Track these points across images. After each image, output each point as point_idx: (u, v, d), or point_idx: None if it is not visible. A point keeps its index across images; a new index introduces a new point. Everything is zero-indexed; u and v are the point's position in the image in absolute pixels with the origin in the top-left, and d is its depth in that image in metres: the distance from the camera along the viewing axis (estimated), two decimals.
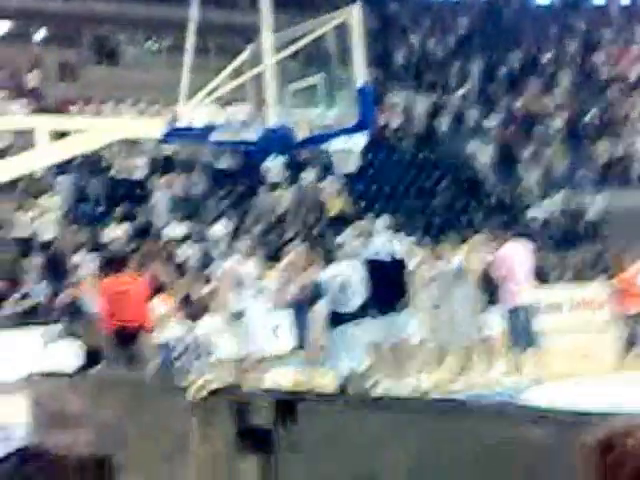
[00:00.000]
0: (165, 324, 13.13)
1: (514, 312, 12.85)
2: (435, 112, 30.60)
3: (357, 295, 11.80)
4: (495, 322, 13.42)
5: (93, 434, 4.92)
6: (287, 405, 3.84)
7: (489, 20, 35.53)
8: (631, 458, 2.00)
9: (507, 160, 29.50)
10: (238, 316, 12.66)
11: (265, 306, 13.22)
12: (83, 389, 5.19)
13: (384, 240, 12.61)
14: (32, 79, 26.38)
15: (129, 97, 26.22)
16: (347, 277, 11.85)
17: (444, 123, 30.40)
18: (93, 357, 13.07)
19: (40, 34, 30.29)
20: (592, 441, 2.06)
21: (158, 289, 12.08)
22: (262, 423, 3.97)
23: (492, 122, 30.78)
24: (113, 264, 11.13)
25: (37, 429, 5.29)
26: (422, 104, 30.76)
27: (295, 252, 14.43)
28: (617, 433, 2.06)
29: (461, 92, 31.55)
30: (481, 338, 13.36)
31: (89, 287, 14.46)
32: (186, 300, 19.63)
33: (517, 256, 13.24)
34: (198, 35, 11.13)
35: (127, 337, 10.36)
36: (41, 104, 25.21)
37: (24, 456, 3.44)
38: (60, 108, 24.91)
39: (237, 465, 4.00)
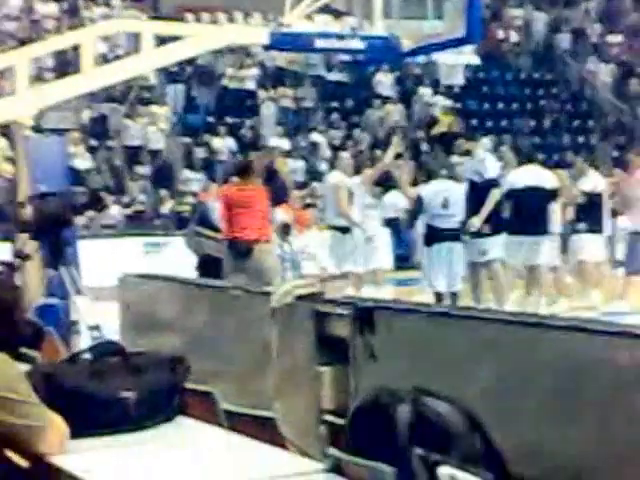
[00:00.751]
0: (287, 234, 13.28)
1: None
2: (555, 28, 29.67)
3: (458, 213, 11.76)
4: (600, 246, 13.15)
5: (179, 339, 5.01)
6: (366, 314, 3.79)
7: None
8: None
9: (628, 79, 28.53)
10: (344, 231, 12.59)
11: (372, 223, 13.15)
12: (175, 294, 5.23)
13: (489, 160, 12.34)
14: None
15: (245, 7, 26.11)
16: (450, 194, 11.78)
17: (564, 40, 29.46)
18: (211, 267, 13.28)
19: None
20: None
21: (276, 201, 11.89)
22: (341, 332, 3.93)
23: (615, 39, 29.71)
24: (237, 173, 10.65)
25: (126, 331, 5.37)
26: (542, 20, 29.86)
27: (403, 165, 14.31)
28: None
29: (584, 7, 30.50)
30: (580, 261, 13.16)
31: (213, 195, 14.55)
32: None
33: None
34: None
35: (245, 248, 10.04)
36: (157, 11, 25.37)
37: (101, 350, 3.52)
38: (175, 15, 25.03)
39: (315, 374, 3.98)
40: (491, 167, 11.98)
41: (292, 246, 13.08)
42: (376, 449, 2.75)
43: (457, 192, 11.92)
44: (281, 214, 13.20)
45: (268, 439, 3.29)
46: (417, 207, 12.29)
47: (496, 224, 11.78)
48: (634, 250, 12.53)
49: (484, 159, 12.27)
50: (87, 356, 3.42)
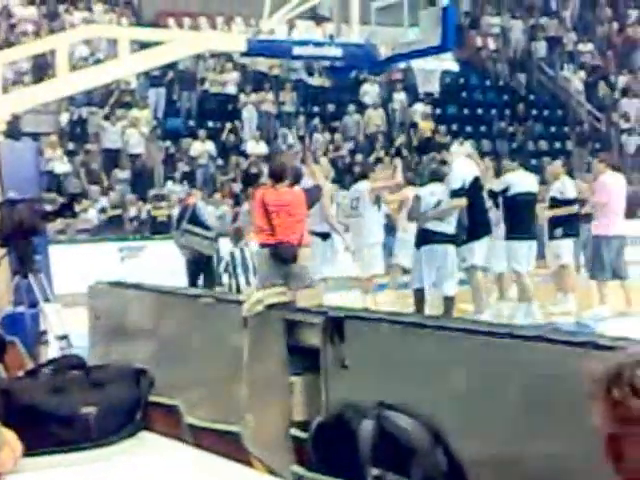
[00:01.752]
0: (240, 239, 13.21)
1: (606, 240, 12.49)
2: (532, 36, 29.83)
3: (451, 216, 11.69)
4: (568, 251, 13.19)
5: (149, 349, 4.95)
6: (337, 324, 3.75)
7: None
8: (639, 391, 1.82)
9: (601, 87, 28.69)
10: (325, 237, 12.51)
11: (374, 228, 13.07)
12: (145, 302, 5.17)
13: (468, 166, 12.27)
14: None
15: (226, 11, 26.07)
16: (443, 197, 11.71)
17: (540, 48, 29.63)
18: (202, 264, 13.29)
19: None
20: (599, 373, 1.89)
21: None
22: (312, 341, 3.89)
23: (589, 48, 29.91)
24: (273, 176, 10.18)
25: (96, 340, 5.31)
26: (519, 28, 30.02)
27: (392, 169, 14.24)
28: (627, 363, 1.88)
29: (559, 16, 30.66)
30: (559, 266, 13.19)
31: (200, 197, 14.55)
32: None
33: (617, 186, 12.89)
34: None
35: (292, 253, 9.63)
36: (138, 16, 25.30)
37: (62, 364, 3.46)
38: (157, 20, 24.98)
39: (286, 384, 3.94)
40: (458, 174, 11.82)
41: (244, 252, 12.98)
42: (338, 466, 2.71)
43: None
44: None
45: (233, 455, 3.24)
46: (416, 207, 12.05)
47: (474, 231, 11.72)
48: (597, 255, 12.54)
49: (453, 167, 12.20)
50: (48, 370, 3.35)
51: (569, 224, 13.07)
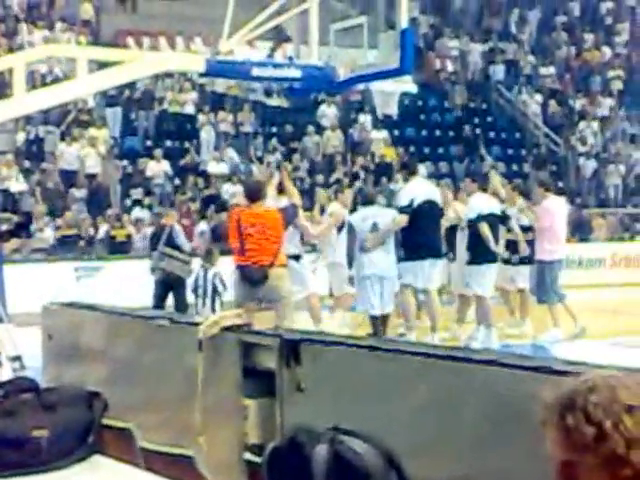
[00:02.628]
0: (210, 260, 13.14)
1: (549, 265, 12.55)
2: (490, 59, 30.12)
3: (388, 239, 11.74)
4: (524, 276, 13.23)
5: (103, 371, 4.89)
6: (293, 346, 3.74)
7: None
8: (593, 418, 1.82)
9: (559, 110, 29.00)
10: (297, 258, 12.40)
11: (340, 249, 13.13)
12: (99, 323, 5.12)
13: (421, 187, 12.28)
14: (87, 11, 26.24)
15: (186, 31, 26.07)
16: (379, 220, 11.76)
17: (498, 71, 29.92)
18: (175, 286, 13.22)
19: None
20: (553, 399, 1.89)
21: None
22: (268, 364, 3.87)
23: (547, 72, 30.26)
24: (248, 195, 9.97)
25: (49, 362, 5.24)
26: (477, 51, 30.31)
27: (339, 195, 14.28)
28: (580, 390, 1.87)
29: (517, 40, 31.01)
30: (512, 290, 13.27)
31: (175, 219, 14.47)
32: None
33: (560, 210, 12.99)
34: None
35: (261, 274, 9.49)
36: (98, 35, 25.22)
37: (13, 387, 3.42)
38: (116, 40, 24.91)
39: (241, 407, 3.91)
40: (407, 193, 11.85)
41: (210, 273, 12.92)
42: None
43: (387, 217, 11.89)
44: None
45: (186, 479, 3.21)
46: (352, 235, 12.32)
47: (413, 251, 11.69)
48: (541, 280, 12.58)
49: (400, 189, 12.27)
50: None
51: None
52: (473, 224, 12.02)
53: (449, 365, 3.26)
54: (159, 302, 13.31)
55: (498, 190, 13.19)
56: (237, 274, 9.80)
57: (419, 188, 11.95)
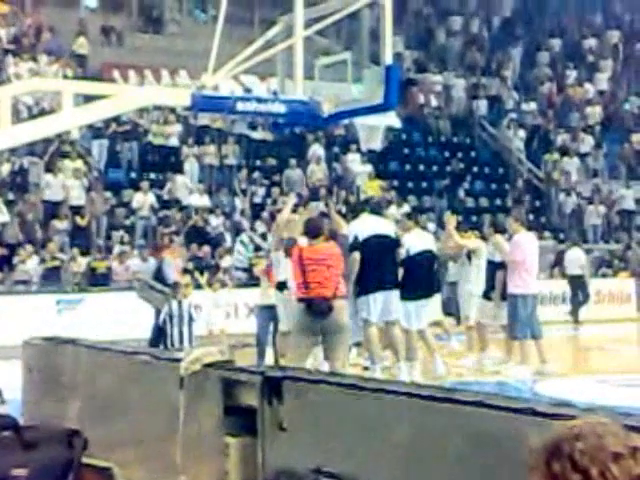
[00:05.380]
0: (177, 292, 13.09)
1: (523, 299, 12.56)
2: (474, 95, 30.34)
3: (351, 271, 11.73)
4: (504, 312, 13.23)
5: (83, 407, 4.85)
6: (275, 384, 3.72)
7: (533, 4, 35.05)
8: (579, 466, 1.81)
9: (542, 147, 29.20)
10: (282, 287, 12.40)
11: None
12: (80, 358, 5.08)
13: (367, 222, 12.25)
14: (79, 45, 26.23)
15: (172, 65, 26.16)
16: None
17: (482, 106, 30.13)
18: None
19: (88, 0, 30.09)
20: (539, 445, 1.87)
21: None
22: (249, 402, 3.84)
23: (530, 107, 30.49)
24: (308, 233, 10.06)
25: (29, 397, 5.19)
26: (461, 86, 30.53)
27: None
28: (567, 436, 1.86)
29: (501, 75, 31.26)
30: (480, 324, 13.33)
31: (170, 253, 14.45)
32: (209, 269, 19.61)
33: (531, 244, 13.05)
34: (244, 7, 10.99)
35: (326, 306, 9.68)
36: (84, 68, 25.23)
37: None
38: (102, 73, 24.93)
39: (223, 445, 3.88)
40: (350, 230, 11.86)
41: (185, 303, 12.88)
42: None
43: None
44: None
45: None
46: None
47: (365, 285, 11.72)
48: (514, 315, 12.59)
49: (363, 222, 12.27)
50: None
51: (504, 287, 13.05)
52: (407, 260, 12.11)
53: (433, 405, 3.25)
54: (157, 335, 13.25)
55: (451, 232, 13.38)
56: (301, 307, 9.92)
57: (364, 224, 12.01)
